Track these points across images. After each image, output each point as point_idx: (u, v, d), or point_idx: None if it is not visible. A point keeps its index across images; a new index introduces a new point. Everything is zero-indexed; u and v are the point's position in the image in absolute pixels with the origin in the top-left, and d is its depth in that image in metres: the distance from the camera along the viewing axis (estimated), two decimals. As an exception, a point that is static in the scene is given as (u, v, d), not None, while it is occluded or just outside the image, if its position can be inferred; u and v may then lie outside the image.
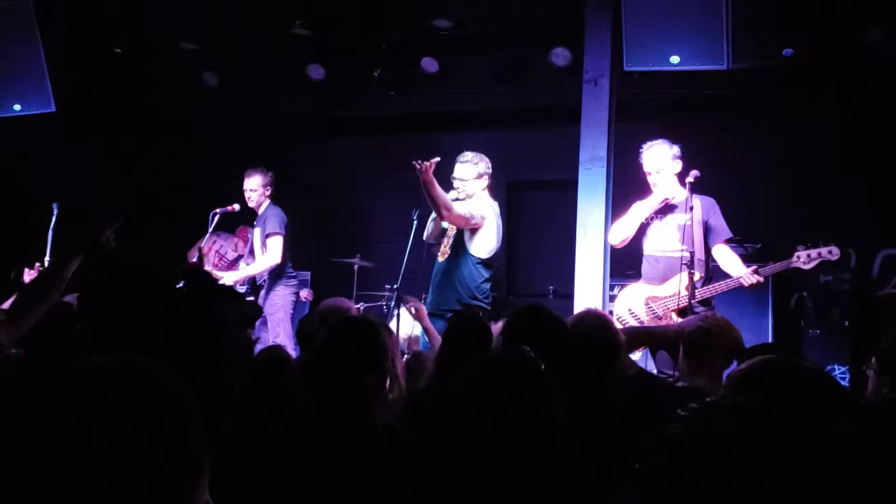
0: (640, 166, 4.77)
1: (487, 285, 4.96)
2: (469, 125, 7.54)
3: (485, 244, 4.90)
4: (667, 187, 4.67)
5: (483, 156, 5.03)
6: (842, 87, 5.93)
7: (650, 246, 4.74)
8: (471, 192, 4.95)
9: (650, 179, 4.70)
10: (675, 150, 4.68)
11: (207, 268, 6.28)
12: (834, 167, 6.11)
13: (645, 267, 4.80)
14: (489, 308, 4.91)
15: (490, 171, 5.02)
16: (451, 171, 5.08)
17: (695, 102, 6.22)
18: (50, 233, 5.81)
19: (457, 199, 4.90)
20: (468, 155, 4.99)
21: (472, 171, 4.94)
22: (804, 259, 4.36)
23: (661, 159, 4.66)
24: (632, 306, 4.75)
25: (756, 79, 5.85)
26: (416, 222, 5.19)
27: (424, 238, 5.20)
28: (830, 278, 5.81)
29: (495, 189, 7.64)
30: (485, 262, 4.91)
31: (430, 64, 6.56)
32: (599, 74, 5.28)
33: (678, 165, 4.68)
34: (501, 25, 6.27)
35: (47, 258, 5.76)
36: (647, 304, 4.70)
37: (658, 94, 6.13)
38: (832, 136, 6.13)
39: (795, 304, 5.86)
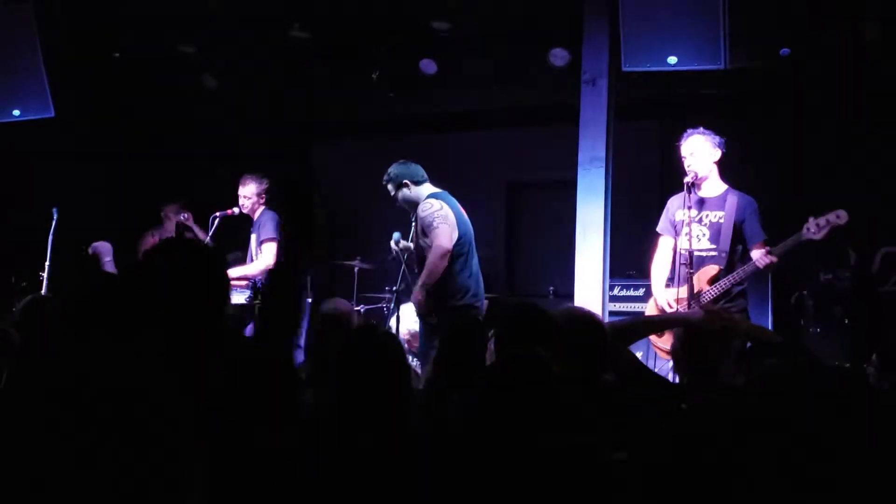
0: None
1: (466, 279, 4.82)
2: (468, 126, 7.56)
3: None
4: (700, 172, 4.61)
5: (392, 169, 5.08)
6: (840, 86, 5.93)
7: (681, 244, 4.66)
8: (413, 204, 5.01)
9: (685, 164, 4.66)
10: (714, 139, 4.65)
11: None
12: (833, 166, 6.10)
13: (675, 266, 4.70)
14: (475, 304, 4.82)
15: (405, 171, 5.04)
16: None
17: (692, 102, 6.22)
18: (50, 237, 5.83)
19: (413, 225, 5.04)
20: (385, 182, 5.10)
21: (391, 190, 5.07)
22: (814, 229, 4.33)
23: (695, 144, 4.65)
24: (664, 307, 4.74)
25: (754, 79, 5.85)
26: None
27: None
28: (830, 276, 5.81)
29: (495, 189, 7.69)
30: (451, 255, 4.78)
31: (428, 66, 6.56)
32: (597, 75, 5.29)
33: (716, 154, 4.65)
34: (500, 26, 6.27)
35: (47, 263, 5.77)
36: (669, 305, 4.67)
37: (656, 95, 6.13)
38: (831, 135, 6.13)
39: (795, 302, 5.86)
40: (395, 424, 2.18)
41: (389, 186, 5.07)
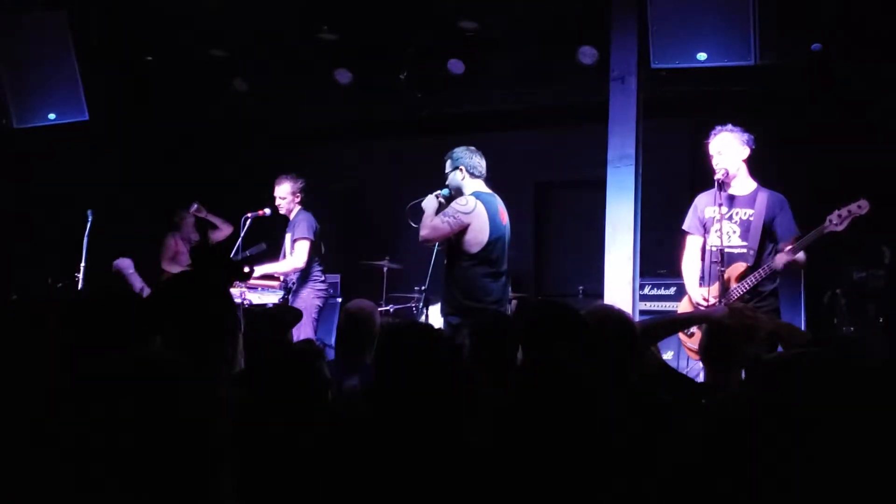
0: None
1: (490, 283, 4.69)
2: (497, 125, 7.55)
3: (472, 239, 4.68)
4: (730, 169, 4.56)
5: (458, 150, 4.95)
6: (872, 81, 5.83)
7: (711, 241, 4.60)
8: (455, 189, 4.90)
9: (713, 162, 4.61)
10: (742, 136, 4.59)
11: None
12: (864, 163, 6.00)
13: (705, 264, 4.66)
14: (499, 309, 4.64)
15: (467, 157, 4.89)
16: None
17: (722, 99, 6.16)
18: (85, 239, 5.94)
19: (441, 201, 4.91)
20: (446, 157, 4.99)
21: (447, 167, 4.95)
22: (836, 221, 4.27)
23: (723, 141, 4.59)
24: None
25: (784, 74, 5.78)
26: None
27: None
28: (864, 275, 5.72)
29: (523, 189, 7.67)
30: (478, 258, 4.65)
31: (456, 66, 6.57)
32: (626, 72, 5.26)
33: (744, 151, 4.58)
34: (527, 25, 6.27)
35: (82, 264, 5.88)
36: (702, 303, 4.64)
37: (685, 92, 6.08)
38: (862, 131, 6.03)
39: (828, 301, 5.78)
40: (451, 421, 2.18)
41: (447, 163, 4.95)
